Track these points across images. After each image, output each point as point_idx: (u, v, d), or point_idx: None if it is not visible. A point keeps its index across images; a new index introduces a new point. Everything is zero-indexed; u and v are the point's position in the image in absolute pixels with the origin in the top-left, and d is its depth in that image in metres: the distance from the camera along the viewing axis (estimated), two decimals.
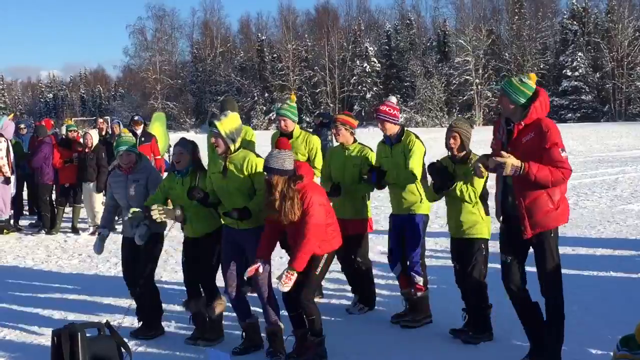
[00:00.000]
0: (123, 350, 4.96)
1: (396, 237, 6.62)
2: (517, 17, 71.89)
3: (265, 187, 5.49)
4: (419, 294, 6.48)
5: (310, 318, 5.58)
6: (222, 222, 6.00)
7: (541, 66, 68.96)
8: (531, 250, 5.29)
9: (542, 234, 5.12)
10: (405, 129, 6.59)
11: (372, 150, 6.87)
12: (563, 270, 8.14)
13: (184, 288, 6.44)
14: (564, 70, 67.17)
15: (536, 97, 4.99)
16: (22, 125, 14.79)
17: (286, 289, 5.34)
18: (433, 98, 68.46)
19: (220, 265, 6.09)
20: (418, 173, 6.37)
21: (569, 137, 38.36)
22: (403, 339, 6.17)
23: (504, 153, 4.91)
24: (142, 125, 12.87)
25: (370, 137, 6.65)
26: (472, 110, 68.48)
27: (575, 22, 69.45)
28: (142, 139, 12.46)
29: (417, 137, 6.53)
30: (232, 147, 5.73)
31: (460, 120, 6.24)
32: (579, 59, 66.59)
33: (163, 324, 6.60)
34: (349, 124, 6.88)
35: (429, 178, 6.27)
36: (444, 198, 6.18)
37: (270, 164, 5.41)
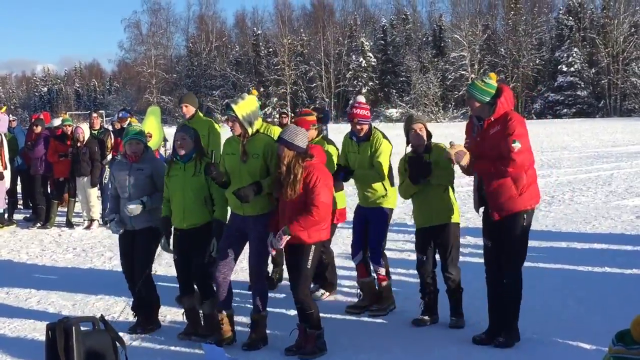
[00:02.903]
0: (117, 344, 4.95)
1: (360, 227, 6.77)
2: (512, 12, 71.91)
3: (277, 160, 5.57)
4: (383, 283, 6.67)
5: (309, 312, 5.60)
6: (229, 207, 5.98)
7: (537, 61, 69.05)
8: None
9: (511, 216, 5.51)
10: (374, 127, 6.68)
11: (334, 145, 7.08)
12: (558, 265, 8.22)
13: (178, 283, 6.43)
14: (560, 66, 67.25)
15: (501, 93, 5.51)
16: (12, 118, 14.74)
17: (279, 247, 5.48)
18: (429, 93, 68.42)
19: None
20: (384, 172, 6.51)
21: (563, 132, 38.42)
22: (397, 332, 6.18)
23: (453, 145, 5.55)
24: (127, 121, 12.78)
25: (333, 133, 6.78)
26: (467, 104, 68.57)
27: (571, 18, 69.49)
28: None
29: (384, 136, 6.66)
30: (249, 130, 5.72)
31: (417, 115, 6.63)
32: (574, 55, 66.65)
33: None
34: (312, 122, 7.03)
35: (397, 177, 6.43)
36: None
37: (282, 134, 5.50)
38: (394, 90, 73.18)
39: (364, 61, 74.36)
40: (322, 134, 7.38)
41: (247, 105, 5.73)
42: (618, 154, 23.39)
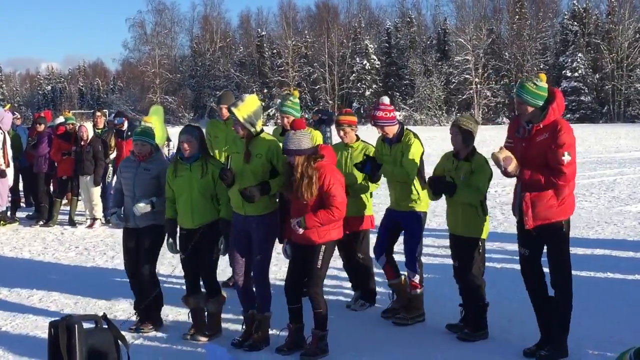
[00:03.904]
0: (120, 342, 4.95)
1: (387, 230, 6.64)
2: (517, 16, 71.81)
3: (286, 169, 5.58)
4: (414, 291, 6.50)
5: (317, 311, 5.63)
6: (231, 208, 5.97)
7: (541, 66, 68.89)
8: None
9: (550, 226, 5.28)
10: (405, 127, 6.56)
11: (374, 147, 6.88)
12: None
13: (182, 282, 6.42)
14: (564, 71, 67.14)
15: (553, 98, 5.19)
16: (17, 116, 14.77)
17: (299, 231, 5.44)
18: (432, 96, 68.38)
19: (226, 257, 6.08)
20: (412, 172, 6.30)
21: None
22: (399, 335, 6.18)
23: (503, 149, 5.18)
24: (125, 122, 12.79)
25: (370, 134, 6.66)
26: (471, 109, 68.43)
27: (575, 23, 69.42)
28: (129, 133, 12.13)
29: (416, 136, 6.50)
30: (252, 131, 5.73)
31: (465, 116, 6.21)
32: (578, 60, 66.55)
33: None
34: (354, 123, 6.93)
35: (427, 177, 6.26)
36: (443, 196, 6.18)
37: (288, 145, 5.49)
38: (398, 93, 73.08)
39: (367, 64, 74.29)
40: (326, 135, 7.34)
41: (247, 106, 5.71)
42: (621, 160, 23.37)
